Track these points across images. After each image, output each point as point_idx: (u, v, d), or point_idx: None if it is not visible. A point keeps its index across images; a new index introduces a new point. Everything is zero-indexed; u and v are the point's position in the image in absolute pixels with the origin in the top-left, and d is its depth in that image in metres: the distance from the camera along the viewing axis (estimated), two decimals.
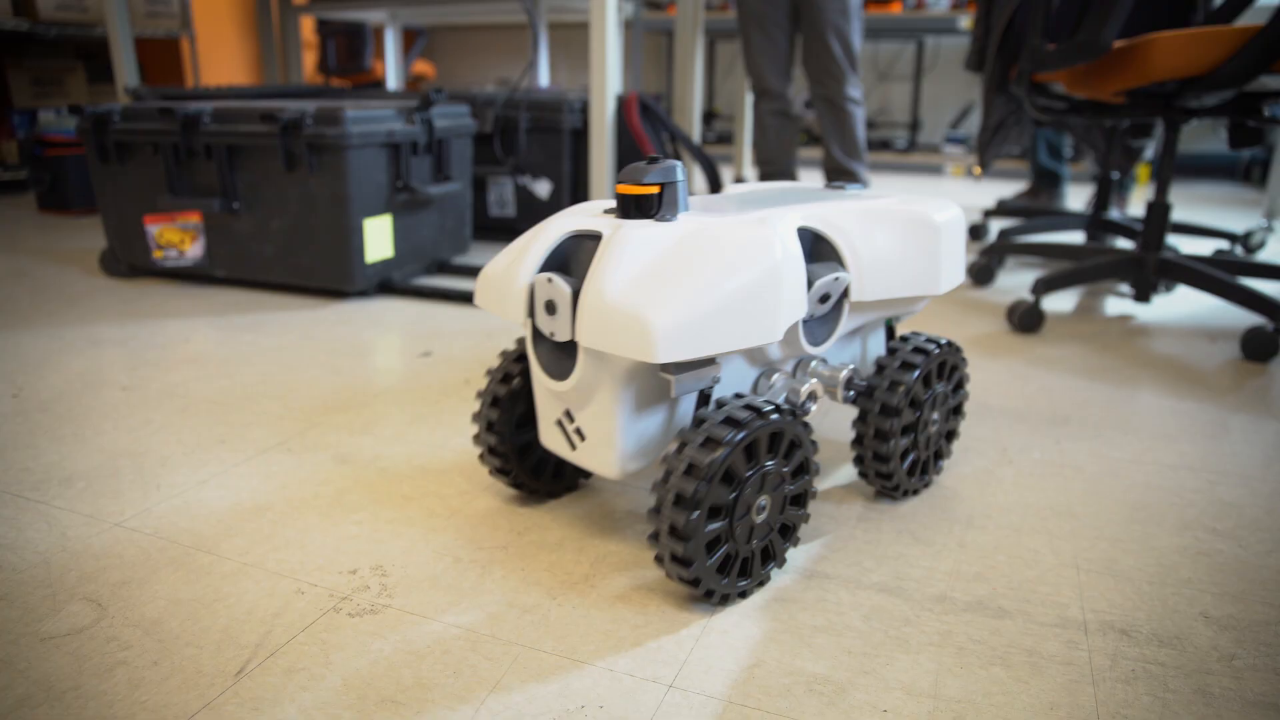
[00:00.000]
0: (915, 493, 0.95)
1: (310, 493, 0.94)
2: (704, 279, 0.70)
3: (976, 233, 2.51)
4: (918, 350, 0.90)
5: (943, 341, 0.92)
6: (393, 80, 3.78)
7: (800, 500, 0.80)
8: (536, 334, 0.80)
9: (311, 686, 0.64)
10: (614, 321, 0.69)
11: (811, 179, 3.83)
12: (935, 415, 0.94)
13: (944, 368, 0.94)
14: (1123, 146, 2.10)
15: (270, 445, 1.05)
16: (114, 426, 1.10)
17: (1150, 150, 2.46)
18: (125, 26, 2.37)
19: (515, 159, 2.24)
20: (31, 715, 0.61)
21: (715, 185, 2.24)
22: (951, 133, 4.44)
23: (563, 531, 0.87)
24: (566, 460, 0.90)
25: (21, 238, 2.36)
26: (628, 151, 2.23)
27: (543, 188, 2.23)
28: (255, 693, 0.63)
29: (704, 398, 0.78)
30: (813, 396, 0.87)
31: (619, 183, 0.76)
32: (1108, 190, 2.10)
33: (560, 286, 0.73)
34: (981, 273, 1.96)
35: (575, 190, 2.26)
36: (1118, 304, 1.82)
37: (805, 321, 0.84)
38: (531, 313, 0.77)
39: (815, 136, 4.57)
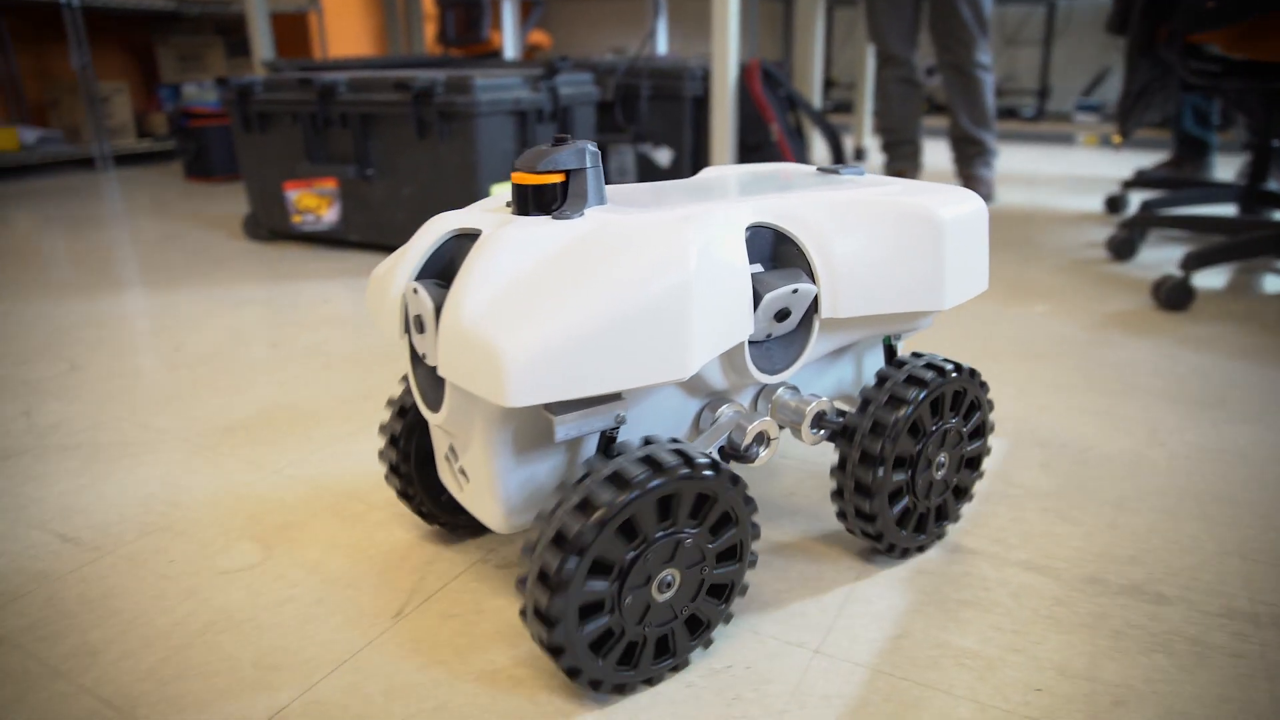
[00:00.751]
0: (920, 550, 0.78)
1: None
2: (586, 298, 0.54)
3: (1114, 205, 2.39)
4: (914, 380, 0.71)
5: (955, 367, 0.74)
6: (510, 50, 3.83)
7: (720, 592, 0.63)
8: (413, 353, 0.65)
9: (466, 632, 0.66)
10: (465, 350, 0.54)
11: (937, 150, 3.72)
12: (943, 457, 0.75)
13: (957, 400, 0.75)
14: None
15: None
16: (265, 380, 1.16)
17: None
18: (261, 3, 2.46)
19: (636, 127, 2.25)
20: (216, 640, 0.65)
21: (838, 156, 2.20)
22: (1084, 100, 4.23)
23: None
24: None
25: (171, 204, 2.50)
26: (749, 120, 2.20)
27: (664, 156, 2.22)
28: (414, 634, 0.66)
29: (607, 440, 0.62)
30: (762, 439, 0.69)
31: (514, 169, 0.62)
32: (1267, 159, 1.96)
33: (424, 300, 0.59)
34: (1122, 246, 1.87)
35: (697, 158, 2.25)
36: (1275, 282, 1.71)
37: (758, 344, 0.68)
38: (407, 328, 0.63)
39: (940, 105, 4.42)
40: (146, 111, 3.43)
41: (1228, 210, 2.31)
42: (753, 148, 2.22)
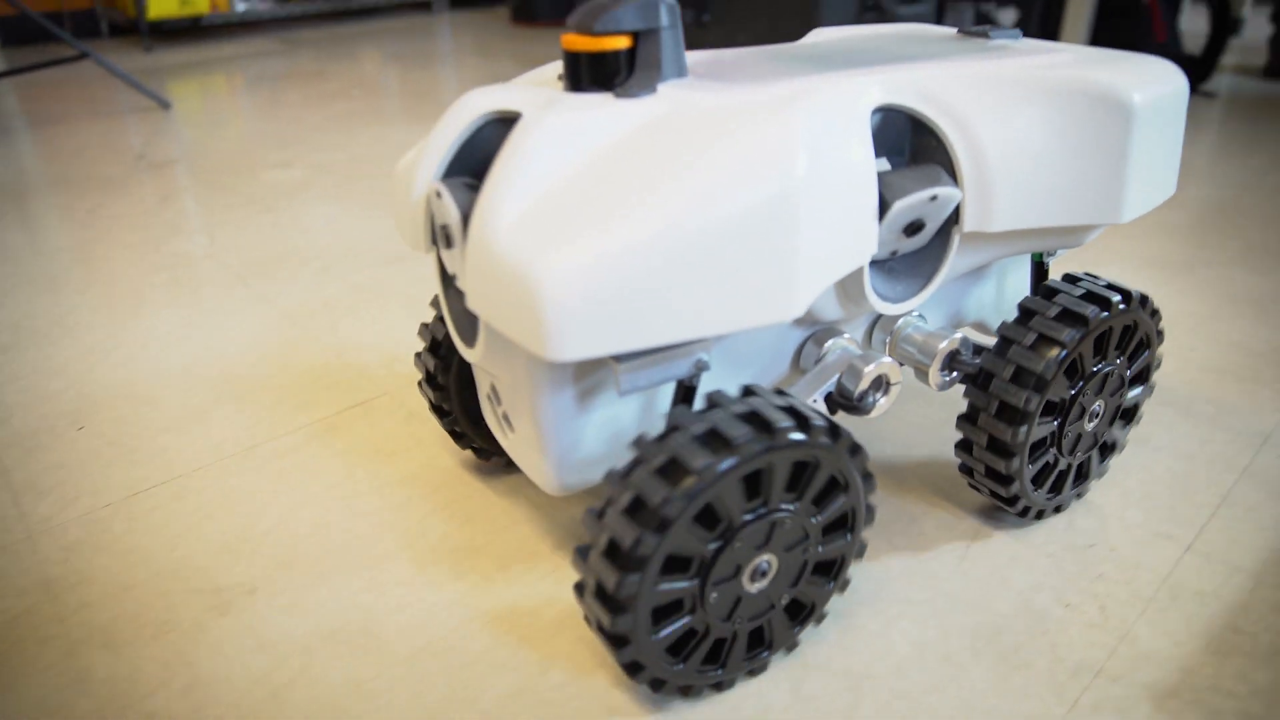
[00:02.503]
0: (1056, 510, 0.64)
1: None
2: (656, 210, 0.41)
3: None
4: (1068, 317, 0.56)
5: (1122, 296, 0.58)
6: None
7: (828, 569, 0.52)
8: (443, 271, 0.53)
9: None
10: (496, 280, 0.42)
11: None
12: (1098, 405, 0.60)
13: (1125, 337, 0.60)
14: None
15: None
16: None
17: None
18: None
19: None
20: None
21: (1221, 26, 1.90)
22: None
23: None
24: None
25: (496, 46, 2.63)
26: None
27: (1007, 16, 2.03)
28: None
29: (685, 388, 0.50)
30: (881, 385, 0.56)
31: (564, 31, 0.48)
32: None
33: (449, 206, 0.46)
34: None
35: (1046, 19, 2.04)
36: None
37: (880, 263, 0.55)
38: (434, 240, 0.50)
39: None
40: None
41: None
42: (1118, 12, 1.97)
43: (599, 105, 0.45)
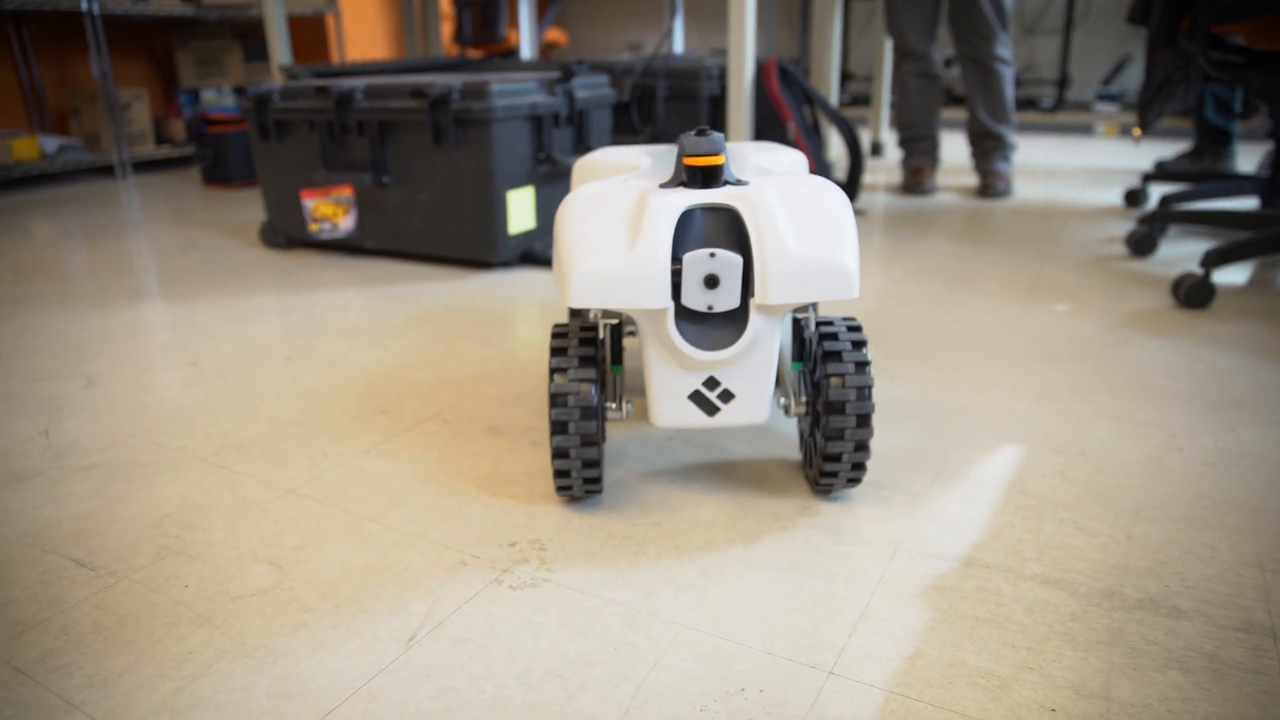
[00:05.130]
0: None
1: (468, 464, 0.97)
2: (848, 226, 0.78)
3: (1134, 199, 2.36)
4: None
5: None
6: (526, 49, 3.82)
7: None
8: (682, 313, 0.79)
9: (480, 657, 0.67)
10: (808, 270, 0.75)
11: (955, 144, 3.68)
12: None
13: None
14: None
15: (426, 416, 1.09)
16: (280, 395, 1.17)
17: None
18: (279, 7, 2.47)
19: (653, 127, 2.24)
20: (229, 668, 0.66)
21: (855, 152, 2.18)
22: (1104, 89, 4.18)
23: (714, 510, 0.87)
24: (696, 429, 0.97)
25: (189, 210, 2.52)
26: (766, 118, 2.19)
27: None
28: (427, 660, 0.66)
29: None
30: None
31: (690, 155, 0.78)
32: None
33: (729, 258, 0.75)
34: (1141, 242, 1.85)
35: None
36: None
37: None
38: (675, 294, 0.77)
39: (959, 96, 4.38)
40: (165, 117, 3.45)
41: (1249, 203, 2.27)
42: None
43: (766, 188, 0.79)
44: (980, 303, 1.53)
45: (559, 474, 0.84)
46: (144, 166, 3.35)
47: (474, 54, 4.45)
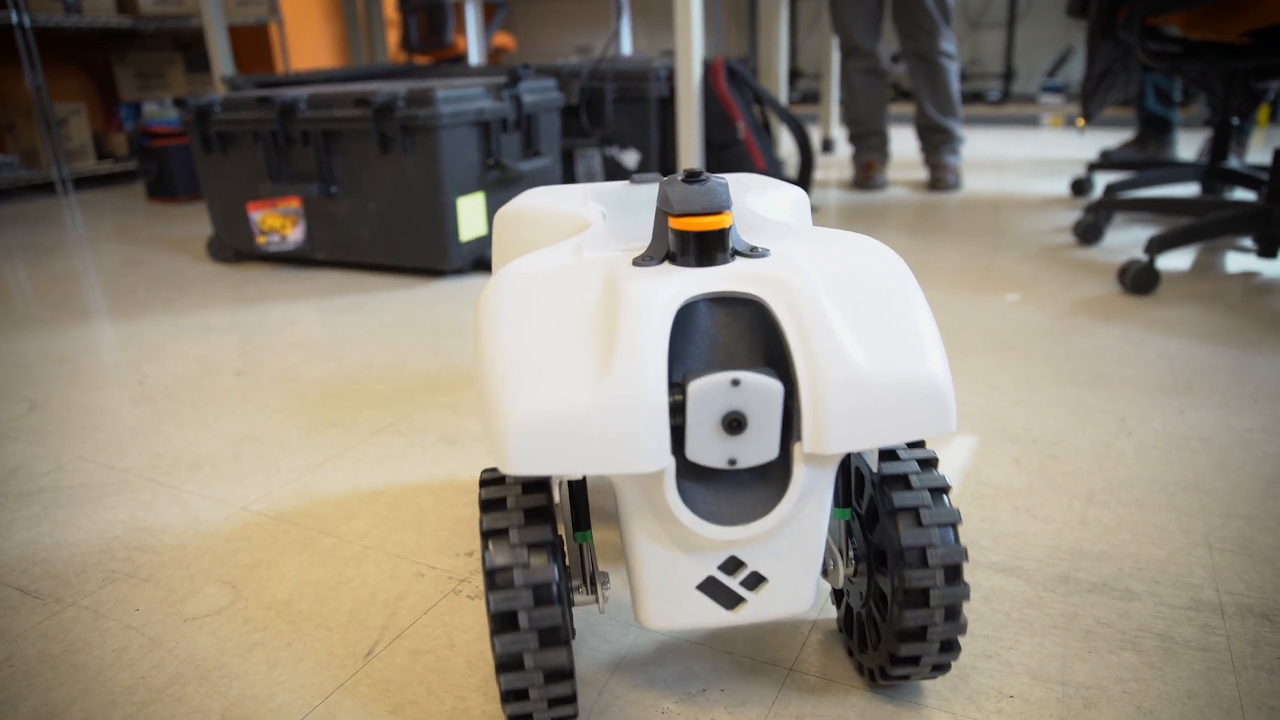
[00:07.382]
0: None
1: (423, 475, 0.96)
2: (925, 314, 0.52)
3: (1080, 188, 2.41)
4: None
5: None
6: (474, 54, 3.80)
7: None
8: (687, 470, 0.52)
9: (438, 668, 0.66)
10: (890, 401, 0.48)
11: (904, 138, 3.72)
12: None
13: None
14: (1244, 88, 1.97)
15: (380, 427, 1.08)
16: (232, 411, 1.15)
17: (1275, 91, 2.31)
18: (219, 17, 2.43)
19: (603, 130, 2.24)
20: (183, 692, 0.64)
21: (806, 152, 2.20)
22: (1048, 81, 4.26)
23: None
24: (710, 629, 0.67)
25: (134, 227, 2.47)
26: (715, 118, 2.20)
27: (630, 158, 2.22)
28: (385, 674, 0.65)
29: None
30: None
31: (680, 215, 0.52)
32: (1227, 137, 1.98)
33: (763, 386, 0.48)
34: (1088, 231, 1.88)
35: (664, 159, 2.25)
36: (1239, 260, 1.73)
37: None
38: (678, 445, 0.50)
39: (906, 92, 4.43)
40: (106, 132, 3.38)
41: (1191, 189, 2.33)
42: (719, 146, 2.22)
43: (801, 268, 0.52)
44: (933, 295, 1.54)
45: (510, 696, 0.54)
46: (86, 183, 3.27)
47: (422, 60, 4.42)
